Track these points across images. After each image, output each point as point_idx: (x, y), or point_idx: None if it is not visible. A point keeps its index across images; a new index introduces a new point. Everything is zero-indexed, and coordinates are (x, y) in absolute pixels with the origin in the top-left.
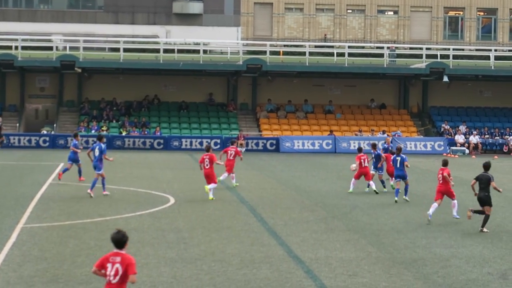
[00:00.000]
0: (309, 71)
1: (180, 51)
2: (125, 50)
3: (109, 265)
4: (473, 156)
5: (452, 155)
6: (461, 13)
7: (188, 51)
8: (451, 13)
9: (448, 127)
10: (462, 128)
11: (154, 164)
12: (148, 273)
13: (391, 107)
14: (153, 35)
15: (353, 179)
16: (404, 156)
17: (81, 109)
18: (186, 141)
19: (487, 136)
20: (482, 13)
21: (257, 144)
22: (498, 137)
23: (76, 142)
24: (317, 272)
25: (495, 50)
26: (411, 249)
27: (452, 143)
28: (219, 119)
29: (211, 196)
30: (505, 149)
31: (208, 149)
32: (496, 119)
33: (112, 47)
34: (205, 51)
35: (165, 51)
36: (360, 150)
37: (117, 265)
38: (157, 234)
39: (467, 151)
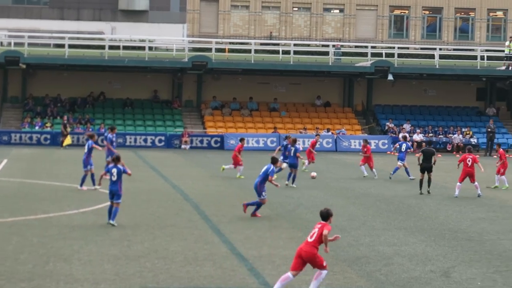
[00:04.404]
0: (254, 68)
1: (125, 47)
2: (70, 46)
3: (313, 229)
4: (417, 155)
5: (396, 153)
6: (407, 11)
7: (133, 48)
8: (397, 12)
9: (393, 125)
10: (407, 126)
11: (98, 161)
12: (91, 270)
13: (336, 105)
14: (98, 31)
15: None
16: (298, 146)
17: (25, 105)
18: (130, 138)
19: (431, 134)
20: (427, 12)
21: (201, 142)
22: (442, 136)
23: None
24: (261, 269)
25: (440, 49)
26: (355, 247)
27: (396, 141)
28: (163, 116)
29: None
30: (448, 147)
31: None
32: (440, 117)
33: (57, 43)
34: (150, 48)
35: (111, 47)
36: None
37: (316, 230)
38: (101, 231)
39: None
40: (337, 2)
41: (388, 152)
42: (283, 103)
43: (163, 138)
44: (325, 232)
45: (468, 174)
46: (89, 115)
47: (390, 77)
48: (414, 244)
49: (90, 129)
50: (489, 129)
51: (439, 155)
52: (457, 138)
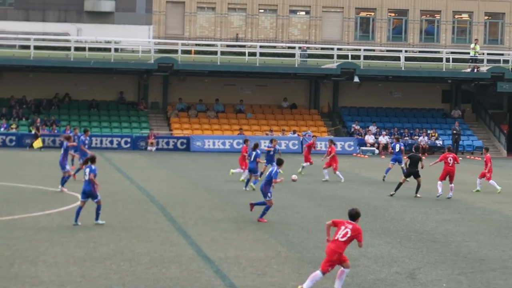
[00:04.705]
0: (220, 70)
1: (91, 49)
2: (36, 47)
3: (342, 227)
4: (383, 157)
5: (362, 155)
6: (372, 14)
7: (99, 49)
8: (363, 14)
9: (358, 127)
10: (372, 128)
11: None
12: (57, 272)
13: (302, 107)
14: (64, 32)
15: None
16: (259, 152)
17: None
18: (96, 140)
19: (397, 135)
20: (393, 14)
21: (167, 143)
22: (407, 138)
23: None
24: (227, 271)
25: (406, 51)
26: (321, 249)
27: (362, 143)
28: (129, 118)
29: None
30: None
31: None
32: (406, 119)
33: (22, 45)
34: (116, 50)
35: (76, 49)
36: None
37: (348, 230)
38: (66, 233)
39: (376, 151)
40: (303, 4)
41: (354, 154)
42: (249, 105)
43: (129, 139)
44: (360, 244)
45: (449, 173)
46: (55, 117)
47: (356, 79)
48: (380, 246)
49: (56, 131)
50: (454, 131)
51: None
52: (422, 140)
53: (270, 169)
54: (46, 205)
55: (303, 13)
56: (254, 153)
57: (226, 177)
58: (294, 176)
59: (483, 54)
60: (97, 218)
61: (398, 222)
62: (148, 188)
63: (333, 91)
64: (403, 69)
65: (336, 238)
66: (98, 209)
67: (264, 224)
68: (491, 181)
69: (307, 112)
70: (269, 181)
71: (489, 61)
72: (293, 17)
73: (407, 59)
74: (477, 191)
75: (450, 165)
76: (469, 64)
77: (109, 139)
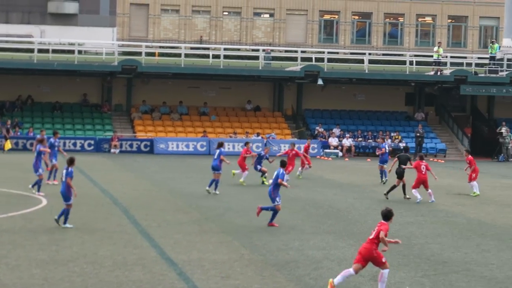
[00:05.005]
0: (184, 72)
1: (54, 51)
2: None
3: (376, 228)
4: (346, 159)
5: (326, 158)
6: (336, 16)
7: (63, 51)
8: (326, 17)
9: (322, 129)
10: (336, 131)
11: (27, 165)
12: (19, 275)
13: (266, 109)
14: (27, 34)
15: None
16: (223, 150)
17: None
18: (59, 142)
19: (360, 139)
20: (356, 17)
21: (131, 146)
22: (371, 140)
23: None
24: (190, 274)
25: (369, 54)
26: (284, 251)
27: (326, 145)
28: (93, 120)
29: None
30: (377, 152)
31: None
32: (370, 122)
33: None
34: (80, 52)
35: (40, 51)
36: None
37: (376, 228)
38: (29, 235)
39: (340, 153)
40: (267, 6)
41: (318, 157)
42: (213, 107)
43: (92, 142)
44: (381, 234)
45: (423, 181)
46: (18, 119)
47: (320, 81)
48: (343, 248)
49: (19, 133)
50: (418, 134)
51: (369, 160)
52: (386, 142)
53: (276, 172)
54: (9, 208)
55: (267, 15)
56: (218, 151)
57: (190, 180)
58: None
59: (446, 57)
60: (65, 222)
61: (361, 225)
62: (111, 190)
63: (297, 93)
64: (366, 71)
65: (369, 237)
66: (66, 212)
67: (227, 227)
68: (474, 182)
69: (271, 114)
70: (277, 185)
71: (452, 64)
72: (257, 19)
73: (370, 62)
74: (476, 194)
75: (423, 173)
76: (433, 67)
77: (73, 141)
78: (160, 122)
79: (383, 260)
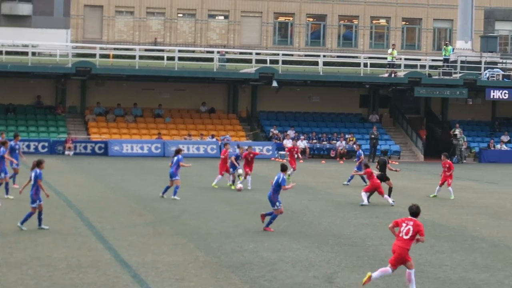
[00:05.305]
0: (138, 74)
1: (8, 53)
2: None
3: (403, 225)
4: (301, 161)
5: (280, 160)
6: (291, 19)
7: (16, 53)
8: (281, 19)
9: (277, 131)
10: (291, 132)
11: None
12: None
13: (221, 111)
14: None
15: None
16: (180, 156)
17: None
18: (20, 145)
19: (315, 141)
20: (311, 19)
21: (85, 148)
22: (325, 142)
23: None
24: (144, 276)
25: (324, 56)
26: (239, 253)
27: (281, 147)
28: (47, 122)
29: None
30: (332, 154)
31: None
32: (324, 124)
33: None
34: (34, 53)
35: None
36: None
37: (409, 227)
38: None
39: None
40: (222, 8)
41: (272, 158)
42: (168, 109)
43: (46, 144)
44: (422, 239)
45: (376, 186)
46: None
47: (274, 83)
48: (297, 250)
49: None
50: (372, 136)
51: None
52: (340, 144)
53: (276, 177)
54: None
55: (222, 17)
56: (175, 158)
57: (144, 182)
58: (240, 186)
59: (401, 59)
60: (22, 222)
61: (316, 227)
62: (65, 192)
63: (251, 95)
64: (321, 74)
65: (400, 236)
66: (28, 215)
67: (182, 229)
68: (450, 187)
69: (225, 116)
70: (277, 190)
71: (406, 66)
72: (212, 21)
73: (325, 64)
74: (434, 196)
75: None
76: (387, 69)
77: (27, 143)
78: (115, 124)
79: (411, 261)
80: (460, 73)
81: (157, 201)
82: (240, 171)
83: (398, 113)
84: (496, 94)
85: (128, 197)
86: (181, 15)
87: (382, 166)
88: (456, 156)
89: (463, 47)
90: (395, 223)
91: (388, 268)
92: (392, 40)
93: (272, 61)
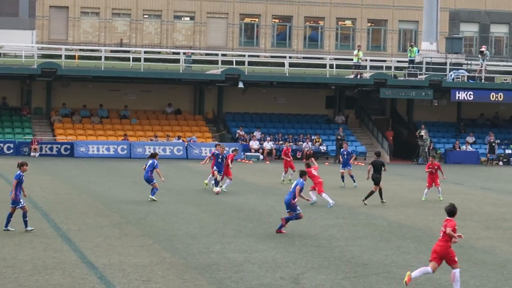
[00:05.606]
0: (104, 75)
1: None
2: None
3: (443, 226)
4: (267, 162)
5: (247, 161)
6: (257, 20)
7: None
8: (247, 20)
9: (243, 133)
10: (257, 134)
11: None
12: None
13: (187, 112)
14: None
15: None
16: (156, 162)
17: None
18: None
19: (281, 142)
20: (277, 21)
21: (51, 149)
22: (291, 143)
23: None
24: (111, 277)
25: (290, 57)
26: (205, 254)
27: (247, 149)
28: (12, 123)
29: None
30: (298, 155)
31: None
32: (290, 125)
33: None
34: None
35: None
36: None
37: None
38: None
39: (261, 157)
40: (187, 9)
41: (239, 160)
42: (134, 111)
43: (11, 145)
44: (448, 230)
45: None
46: None
47: (240, 85)
48: (264, 251)
49: None
50: (338, 137)
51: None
52: (306, 146)
53: (295, 182)
54: None
55: (188, 18)
56: (150, 161)
57: (111, 183)
58: (217, 189)
59: (366, 60)
60: (6, 225)
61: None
62: (31, 194)
63: (217, 96)
64: (287, 75)
65: (440, 237)
66: (9, 215)
67: (148, 230)
68: (439, 187)
69: (191, 117)
70: (295, 196)
71: (372, 67)
72: (178, 22)
73: (291, 65)
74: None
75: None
76: (353, 70)
77: None
78: (81, 125)
79: (456, 259)
80: (425, 74)
81: (123, 202)
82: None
83: (364, 114)
84: (461, 95)
85: (94, 199)
86: (146, 16)
87: (378, 169)
88: (421, 157)
89: (428, 49)
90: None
91: (427, 267)
92: (357, 42)
93: (238, 62)
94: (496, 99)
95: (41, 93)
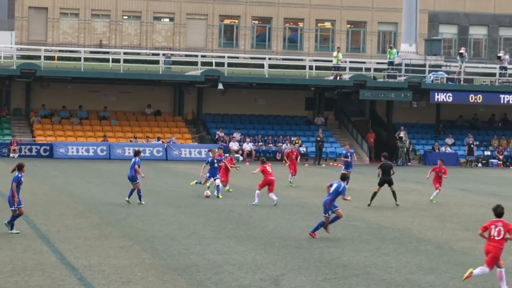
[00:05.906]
0: (84, 76)
1: None
2: None
3: (492, 227)
4: (247, 163)
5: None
6: (236, 21)
7: None
8: (227, 21)
9: (223, 134)
10: (237, 135)
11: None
12: None
13: (167, 113)
14: None
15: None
16: (137, 159)
17: None
18: None
19: (261, 143)
20: (256, 22)
21: (30, 150)
22: (271, 145)
23: None
24: (90, 279)
25: (269, 59)
26: (185, 256)
27: (227, 150)
28: None
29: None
30: (278, 156)
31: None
32: (270, 126)
33: None
34: None
35: None
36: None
37: (499, 228)
38: None
39: (241, 158)
40: (167, 10)
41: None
42: (113, 112)
43: None
44: (507, 235)
45: (269, 182)
46: None
47: (220, 86)
48: (244, 253)
49: None
50: (318, 138)
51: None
52: (286, 147)
53: (336, 185)
54: None
55: (167, 19)
56: (133, 160)
57: (90, 184)
58: (207, 192)
59: (346, 62)
60: (8, 225)
61: (262, 229)
62: None
63: (197, 98)
64: (267, 76)
65: (492, 237)
66: (12, 218)
67: (128, 231)
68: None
69: (171, 119)
70: (334, 198)
71: (351, 69)
72: (157, 23)
73: (270, 66)
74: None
75: (270, 173)
76: (332, 72)
77: None
78: (60, 126)
79: (502, 261)
80: (404, 76)
81: (103, 203)
82: (217, 181)
83: (344, 115)
84: (440, 97)
85: (74, 200)
86: (126, 17)
87: (387, 171)
88: (400, 159)
89: (408, 50)
90: (484, 228)
91: (485, 268)
92: (337, 43)
93: (217, 64)
94: (475, 100)
95: (20, 94)
